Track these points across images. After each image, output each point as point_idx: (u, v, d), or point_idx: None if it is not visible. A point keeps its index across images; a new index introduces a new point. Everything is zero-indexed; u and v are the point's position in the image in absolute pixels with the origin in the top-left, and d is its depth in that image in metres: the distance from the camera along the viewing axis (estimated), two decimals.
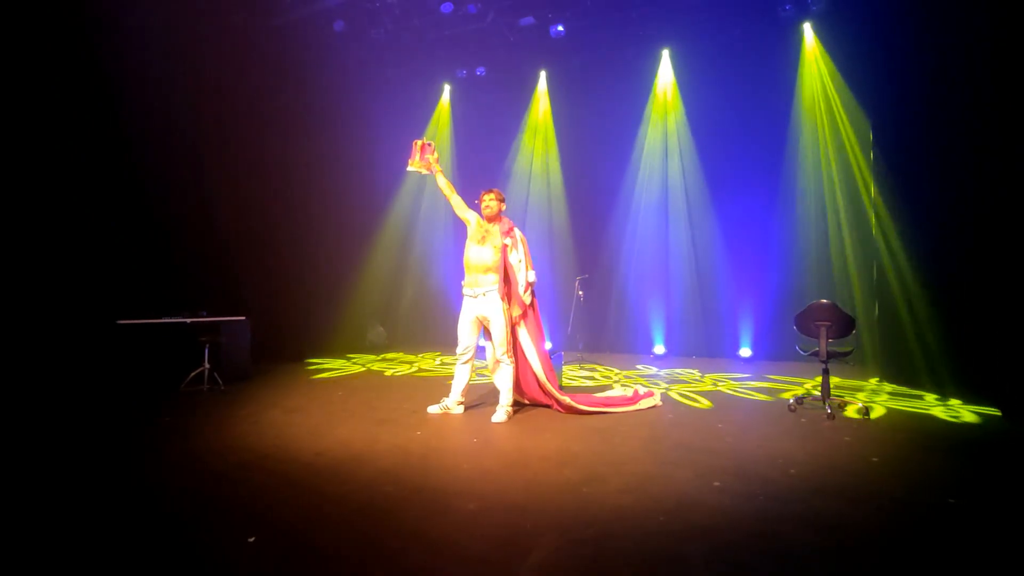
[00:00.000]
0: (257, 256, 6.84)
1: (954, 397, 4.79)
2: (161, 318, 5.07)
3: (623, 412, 4.21)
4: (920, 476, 2.86)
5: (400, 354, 8.00)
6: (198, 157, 6.21)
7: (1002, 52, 4.25)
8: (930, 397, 4.88)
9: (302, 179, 7.52)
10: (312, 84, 7.50)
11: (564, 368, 6.13)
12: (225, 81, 6.55)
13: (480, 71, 9.09)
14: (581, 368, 6.69)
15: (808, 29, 7.35)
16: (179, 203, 5.94)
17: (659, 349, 8.10)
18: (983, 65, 4.46)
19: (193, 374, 5.01)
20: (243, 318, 5.58)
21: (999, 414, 4.17)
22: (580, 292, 7.32)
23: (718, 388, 5.37)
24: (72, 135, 5.04)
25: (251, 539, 2.09)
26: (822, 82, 7.28)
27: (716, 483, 2.70)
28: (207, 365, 5.03)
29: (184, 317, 5.14)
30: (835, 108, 7.14)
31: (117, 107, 5.39)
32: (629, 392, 4.68)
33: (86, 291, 5.02)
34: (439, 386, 5.43)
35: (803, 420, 4.01)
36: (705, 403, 4.63)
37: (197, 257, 6.06)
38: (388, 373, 6.21)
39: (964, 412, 4.30)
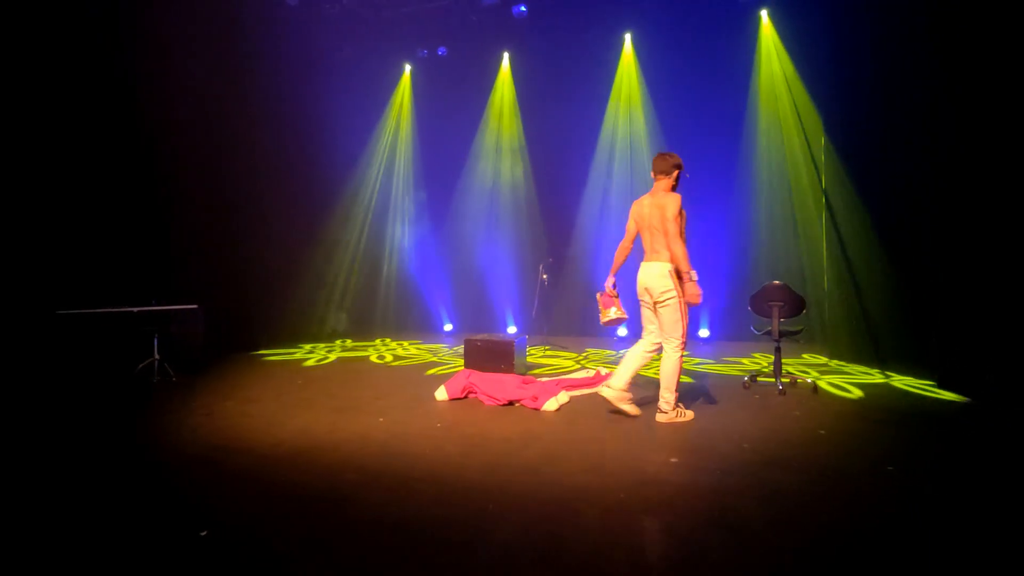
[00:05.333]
0: (210, 242, 6.54)
1: (894, 371, 5.08)
2: (106, 307, 4.81)
3: (586, 394, 4.27)
4: (863, 446, 3.02)
5: (381, 341, 7.87)
6: (142, 138, 5.85)
7: (947, 43, 4.44)
8: (874, 371, 5.16)
9: (255, 160, 7.20)
10: (264, 60, 7.15)
11: (528, 351, 6.17)
12: (169, 57, 6.15)
13: (442, 51, 8.89)
14: (546, 352, 6.74)
15: (764, 16, 7.49)
16: (124, 187, 5.59)
17: (622, 332, 8.25)
18: (927, 55, 4.64)
19: (142, 366, 4.79)
20: (195, 306, 5.35)
21: (934, 384, 4.45)
22: (544, 276, 7.35)
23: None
24: (12, 117, 4.66)
25: (203, 533, 2.03)
26: (777, 68, 7.45)
27: (673, 459, 2.79)
28: (157, 356, 4.82)
29: (131, 306, 4.89)
30: (791, 93, 7.34)
31: (60, 87, 5.01)
32: (591, 373, 4.75)
33: (21, 280, 4.69)
34: (404, 373, 5.38)
35: (756, 396, 4.17)
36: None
37: (146, 244, 5.75)
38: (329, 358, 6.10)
39: (903, 384, 4.57)
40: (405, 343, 7.67)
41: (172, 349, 5.01)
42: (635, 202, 3.65)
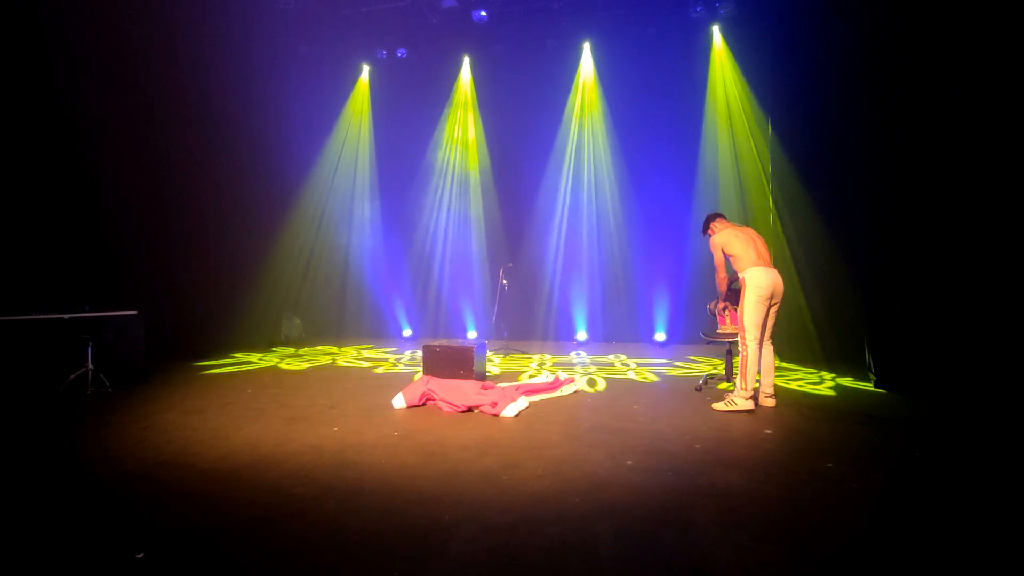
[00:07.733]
0: (152, 245, 6.20)
1: (835, 371, 5.35)
2: (33, 314, 4.48)
3: (545, 399, 4.29)
4: (805, 444, 3.16)
5: (346, 347, 7.65)
6: (78, 136, 5.49)
7: (886, 54, 4.75)
8: (818, 373, 5.41)
9: (203, 161, 6.89)
10: (213, 58, 6.86)
11: (488, 355, 6.15)
12: (110, 53, 5.82)
13: (401, 53, 8.79)
14: (504, 356, 6.74)
15: (716, 31, 7.79)
16: (54, 185, 5.24)
17: (581, 336, 8.35)
18: (867, 64, 4.95)
19: (74, 376, 4.48)
20: (134, 312, 5.06)
21: (871, 384, 4.72)
22: (504, 281, 7.36)
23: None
24: None
25: (140, 555, 1.91)
26: (728, 77, 7.76)
27: (628, 462, 2.83)
28: (91, 366, 4.51)
29: (62, 312, 4.57)
30: (741, 105, 7.65)
31: None
32: (550, 378, 4.78)
33: None
34: (360, 380, 5.25)
35: (708, 398, 4.30)
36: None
37: (79, 245, 5.40)
38: (287, 366, 5.91)
39: (843, 384, 4.82)
40: (362, 349, 7.50)
41: (108, 358, 4.70)
42: (728, 231, 4.18)
